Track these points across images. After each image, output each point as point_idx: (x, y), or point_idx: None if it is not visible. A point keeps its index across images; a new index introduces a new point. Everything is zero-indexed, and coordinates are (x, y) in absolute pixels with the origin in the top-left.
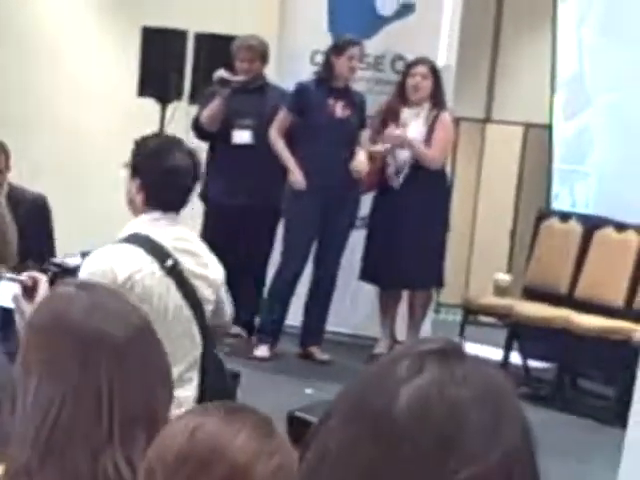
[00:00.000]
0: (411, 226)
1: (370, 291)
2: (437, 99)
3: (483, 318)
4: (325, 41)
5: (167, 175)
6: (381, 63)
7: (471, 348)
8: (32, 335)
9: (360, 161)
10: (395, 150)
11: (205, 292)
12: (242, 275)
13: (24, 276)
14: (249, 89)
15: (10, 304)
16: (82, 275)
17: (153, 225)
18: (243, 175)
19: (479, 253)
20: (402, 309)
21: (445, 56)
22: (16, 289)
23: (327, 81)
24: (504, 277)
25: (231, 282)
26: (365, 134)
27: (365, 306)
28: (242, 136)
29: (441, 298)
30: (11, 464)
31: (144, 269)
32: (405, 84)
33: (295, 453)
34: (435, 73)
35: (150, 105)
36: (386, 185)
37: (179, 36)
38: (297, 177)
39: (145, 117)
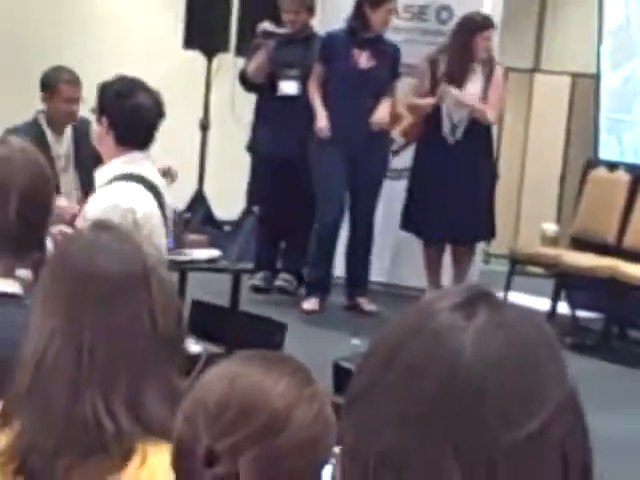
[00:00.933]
0: (462, 180)
1: (415, 242)
2: (490, 55)
3: (531, 268)
4: None
5: (135, 113)
6: (425, 13)
7: (518, 298)
8: (41, 272)
9: (380, 114)
10: (450, 109)
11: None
12: (290, 225)
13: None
14: (295, 40)
15: None
16: (92, 214)
17: (139, 165)
18: (289, 125)
19: (528, 204)
20: (446, 259)
21: (491, 6)
22: None
23: (357, 31)
24: (551, 227)
25: (280, 232)
26: (398, 85)
27: (410, 257)
28: (288, 87)
29: (490, 249)
30: (6, 400)
31: (151, 207)
32: (473, 44)
33: (329, 403)
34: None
35: (196, 58)
36: (431, 137)
37: None
38: (320, 125)
39: (191, 70)
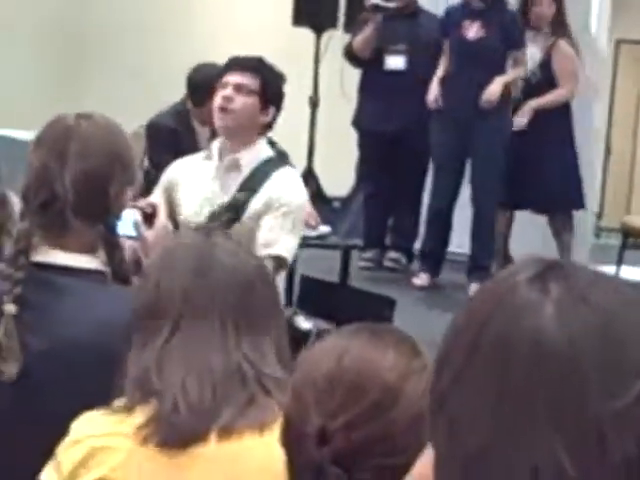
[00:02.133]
0: (539, 153)
1: (540, 219)
2: (558, 25)
3: None
4: None
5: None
6: None
7: (631, 272)
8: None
9: (490, 91)
10: None
11: None
12: (398, 201)
13: (143, 203)
14: (402, 15)
15: (131, 232)
16: (300, 194)
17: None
18: (396, 101)
19: None
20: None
21: None
22: (136, 216)
23: (469, 2)
24: None
25: (388, 209)
26: (519, 54)
27: (529, 233)
28: (395, 62)
29: (602, 222)
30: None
31: None
32: (528, 9)
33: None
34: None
35: (305, 34)
36: None
37: None
38: (430, 96)
39: (300, 47)
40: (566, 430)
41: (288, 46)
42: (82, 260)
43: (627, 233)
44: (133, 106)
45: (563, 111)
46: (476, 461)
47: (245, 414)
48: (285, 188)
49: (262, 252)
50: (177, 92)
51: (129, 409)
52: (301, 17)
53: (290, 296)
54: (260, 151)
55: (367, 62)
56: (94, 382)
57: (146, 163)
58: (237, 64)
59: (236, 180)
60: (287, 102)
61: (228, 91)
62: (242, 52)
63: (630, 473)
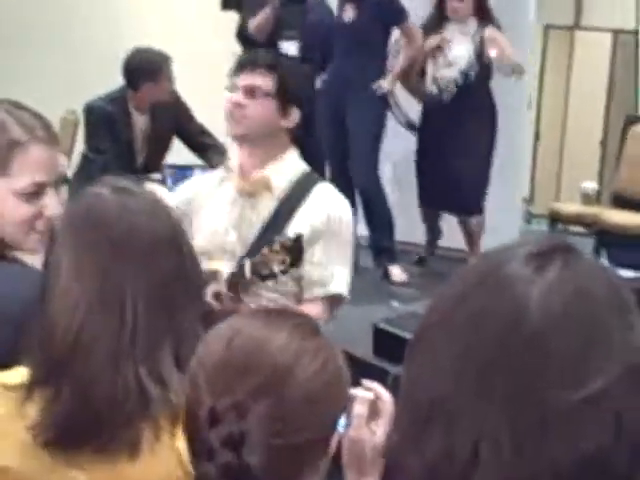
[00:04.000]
0: (456, 147)
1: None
2: (483, 15)
3: (572, 227)
4: None
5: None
6: None
7: None
8: (63, 232)
9: (382, 84)
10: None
11: None
12: None
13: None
14: (295, 0)
15: None
16: (346, 220)
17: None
18: None
19: (569, 163)
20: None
21: None
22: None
23: None
24: (591, 185)
25: None
26: (404, 27)
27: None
28: (289, 47)
29: (532, 208)
30: (36, 365)
31: None
32: (444, 3)
33: (340, 354)
34: None
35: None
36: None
37: None
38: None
39: (229, 30)
40: (515, 411)
41: (216, 30)
42: None
43: (555, 219)
44: (61, 92)
45: (485, 96)
46: (428, 410)
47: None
48: (329, 209)
49: (317, 292)
50: (106, 80)
51: (29, 391)
52: (229, 2)
53: None
54: (292, 165)
55: (260, 46)
56: None
57: (82, 147)
58: (248, 62)
59: (267, 202)
60: (218, 86)
61: (238, 95)
62: (171, 37)
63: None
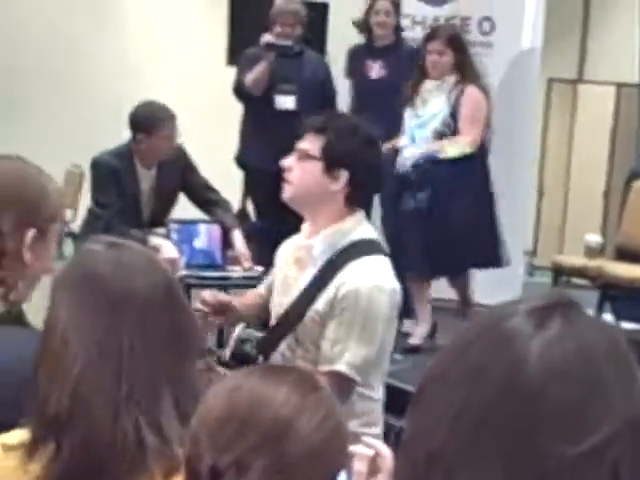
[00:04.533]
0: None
1: None
2: (463, 71)
3: (575, 280)
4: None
5: (377, 167)
6: (467, 25)
7: None
8: (59, 291)
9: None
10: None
11: None
12: (288, 237)
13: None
14: (290, 54)
15: None
16: (361, 305)
17: (364, 227)
18: (285, 141)
19: (573, 215)
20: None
21: (533, 15)
22: None
23: (369, 41)
24: (594, 238)
25: (278, 244)
26: None
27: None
28: (286, 101)
29: (535, 261)
30: (36, 423)
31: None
32: (423, 60)
33: (339, 409)
34: (455, 44)
35: None
36: None
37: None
38: None
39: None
40: (512, 466)
41: (223, 86)
42: None
43: (558, 272)
44: (67, 146)
45: (471, 163)
46: (425, 465)
47: None
48: (348, 284)
49: (322, 368)
50: (107, 127)
51: (30, 449)
52: (235, 57)
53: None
54: (341, 235)
55: (257, 100)
56: None
57: (88, 201)
58: (304, 127)
59: (309, 272)
60: (224, 143)
61: (290, 159)
62: (177, 90)
63: None
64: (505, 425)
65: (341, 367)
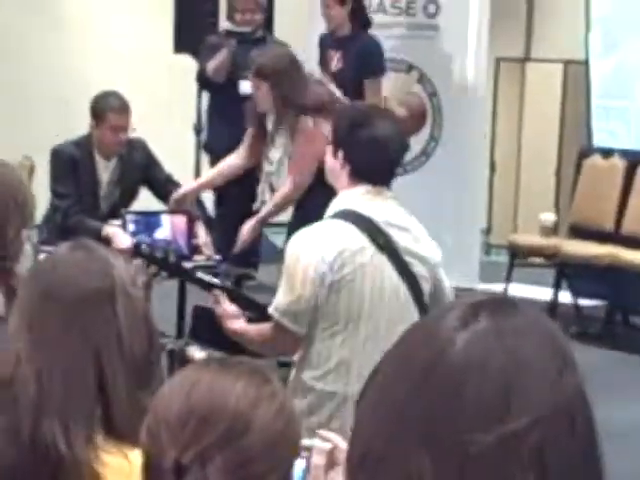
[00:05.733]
0: None
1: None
2: (286, 105)
3: (532, 259)
4: None
5: (374, 146)
6: (413, 8)
7: (520, 289)
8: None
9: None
10: None
11: (418, 269)
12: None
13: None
14: (251, 40)
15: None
16: (288, 256)
17: (362, 200)
18: None
19: (525, 194)
20: None
21: None
22: None
23: (334, 30)
24: (549, 217)
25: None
26: (370, 84)
27: None
28: (247, 87)
29: (490, 239)
30: None
31: (355, 246)
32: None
33: (290, 398)
34: (268, 77)
35: (185, 60)
36: None
37: None
38: None
39: (181, 74)
40: (435, 450)
41: (170, 73)
42: None
43: (515, 251)
44: (18, 138)
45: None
46: (358, 459)
47: None
48: (291, 240)
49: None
50: (53, 113)
51: None
52: (181, 44)
53: (181, 327)
54: (332, 206)
55: (219, 86)
56: None
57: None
58: None
59: None
60: (173, 129)
61: None
62: (122, 79)
63: None
64: (427, 413)
65: (270, 308)
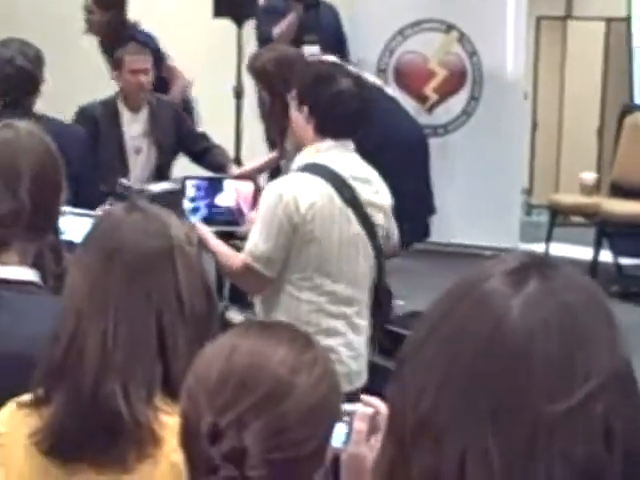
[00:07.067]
0: None
1: (461, 198)
2: None
3: (572, 218)
4: None
5: (336, 100)
6: None
7: (560, 249)
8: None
9: None
10: None
11: (377, 218)
12: None
13: (99, 211)
14: (307, 4)
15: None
16: (262, 206)
17: (328, 154)
18: None
19: (567, 153)
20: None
21: None
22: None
23: None
24: (590, 176)
25: None
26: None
27: (456, 214)
28: (311, 51)
29: (531, 199)
30: (39, 378)
31: (325, 199)
32: None
33: (332, 364)
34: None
35: (226, 25)
36: None
37: None
38: None
39: (221, 38)
40: (500, 422)
41: (209, 38)
42: (17, 272)
43: (555, 210)
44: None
45: None
46: (414, 427)
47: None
48: (266, 189)
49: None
50: (97, 79)
51: (37, 402)
52: (221, 8)
53: (221, 291)
54: (298, 159)
55: None
56: (23, 394)
57: None
58: None
59: None
60: (212, 93)
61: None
62: (163, 43)
63: None
64: (490, 386)
65: (243, 254)
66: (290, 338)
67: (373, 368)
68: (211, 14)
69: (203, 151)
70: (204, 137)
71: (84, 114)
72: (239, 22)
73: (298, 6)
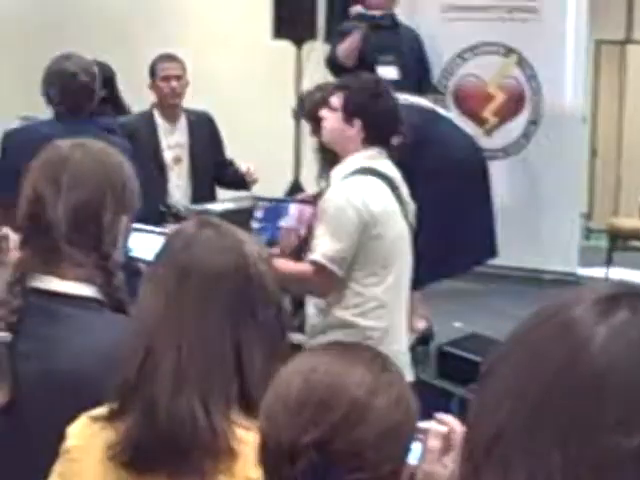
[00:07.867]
0: None
1: (520, 221)
2: None
3: (633, 242)
4: None
5: (391, 114)
6: None
7: (620, 273)
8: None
9: None
10: None
11: (410, 217)
12: None
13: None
14: (384, 26)
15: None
16: (329, 210)
17: (376, 160)
18: None
19: (627, 177)
20: None
21: None
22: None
23: None
24: None
25: None
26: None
27: (515, 237)
28: (388, 72)
29: (590, 224)
30: (115, 392)
31: (386, 197)
32: None
33: (408, 386)
34: None
35: (285, 47)
36: None
37: None
38: None
39: (281, 60)
40: (569, 452)
41: (269, 59)
42: (77, 288)
43: (614, 235)
44: None
45: None
46: (485, 447)
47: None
48: (330, 194)
49: (308, 257)
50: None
51: (112, 416)
52: (280, 30)
53: None
54: (350, 165)
55: (349, 71)
56: (86, 410)
57: None
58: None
59: None
60: (272, 115)
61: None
62: (226, 65)
63: None
64: (561, 411)
65: (316, 256)
66: (367, 359)
67: (433, 391)
68: (270, 36)
69: (225, 176)
70: (231, 163)
71: (123, 129)
72: (298, 44)
73: (361, 25)
